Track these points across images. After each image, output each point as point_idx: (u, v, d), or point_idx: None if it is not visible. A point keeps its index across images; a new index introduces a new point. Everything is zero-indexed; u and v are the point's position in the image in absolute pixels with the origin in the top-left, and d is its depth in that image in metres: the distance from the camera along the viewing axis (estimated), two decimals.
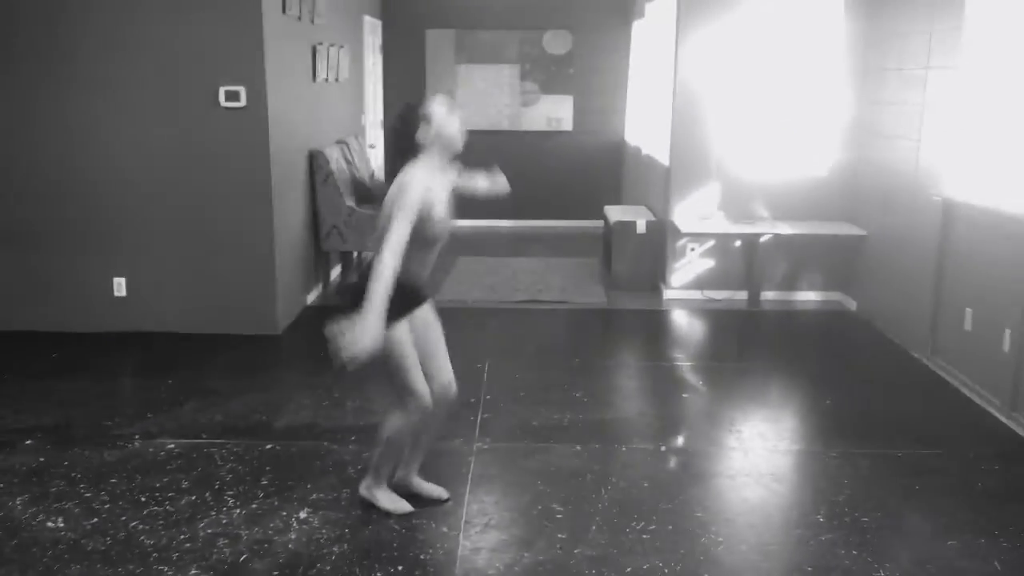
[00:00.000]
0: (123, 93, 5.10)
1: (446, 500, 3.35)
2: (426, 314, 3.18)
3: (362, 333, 2.74)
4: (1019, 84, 4.33)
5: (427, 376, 3.13)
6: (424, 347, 3.14)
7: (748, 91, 6.22)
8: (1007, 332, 4.20)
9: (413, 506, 3.26)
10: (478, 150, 9.90)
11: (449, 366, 3.25)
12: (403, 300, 2.96)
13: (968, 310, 4.59)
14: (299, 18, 5.70)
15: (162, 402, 4.31)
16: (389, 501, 3.27)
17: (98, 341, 5.22)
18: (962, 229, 4.72)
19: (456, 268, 7.28)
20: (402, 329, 3.01)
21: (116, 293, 5.34)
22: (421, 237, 2.91)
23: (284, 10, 5.38)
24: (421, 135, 2.98)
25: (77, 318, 5.34)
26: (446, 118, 3.00)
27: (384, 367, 3.02)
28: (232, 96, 5.06)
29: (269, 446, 3.82)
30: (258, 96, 5.07)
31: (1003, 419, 4.20)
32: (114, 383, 4.62)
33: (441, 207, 2.99)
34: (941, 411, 4.40)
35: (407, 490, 3.35)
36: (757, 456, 3.84)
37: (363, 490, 3.31)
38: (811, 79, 6.24)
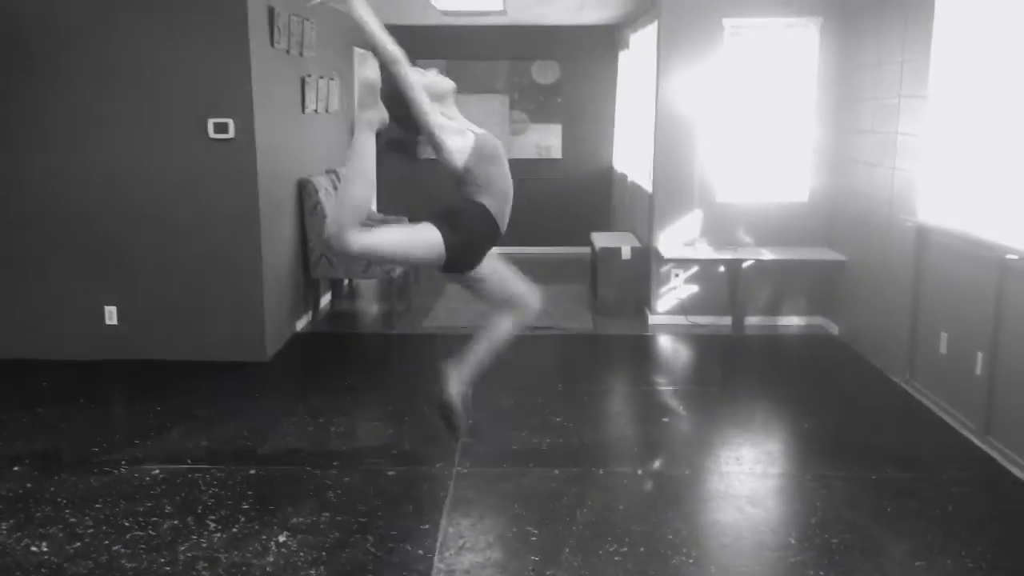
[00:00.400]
0: (113, 125, 5.21)
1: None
2: (487, 260, 3.38)
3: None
4: (983, 111, 4.44)
5: (506, 299, 3.44)
6: (495, 277, 3.42)
7: (729, 119, 6.34)
8: (979, 355, 4.28)
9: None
10: None
11: (521, 287, 3.50)
12: (475, 234, 3.21)
13: (943, 334, 4.67)
14: (288, 51, 5.84)
15: (149, 429, 4.38)
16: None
17: (89, 369, 5.29)
18: (936, 254, 4.81)
19: (445, 294, 7.36)
20: (437, 234, 3.16)
21: (107, 321, 5.42)
22: (482, 162, 3.18)
23: (272, 44, 5.52)
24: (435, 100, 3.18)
25: (69, 346, 5.42)
26: (423, 75, 3.18)
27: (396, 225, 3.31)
28: (221, 128, 5.17)
29: (252, 471, 3.88)
30: (246, 128, 5.19)
31: (977, 442, 4.26)
32: (103, 410, 4.69)
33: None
34: (917, 434, 4.47)
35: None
36: (733, 479, 3.90)
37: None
38: (790, 108, 6.37)
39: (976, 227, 4.40)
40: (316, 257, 6.34)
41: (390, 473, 3.89)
